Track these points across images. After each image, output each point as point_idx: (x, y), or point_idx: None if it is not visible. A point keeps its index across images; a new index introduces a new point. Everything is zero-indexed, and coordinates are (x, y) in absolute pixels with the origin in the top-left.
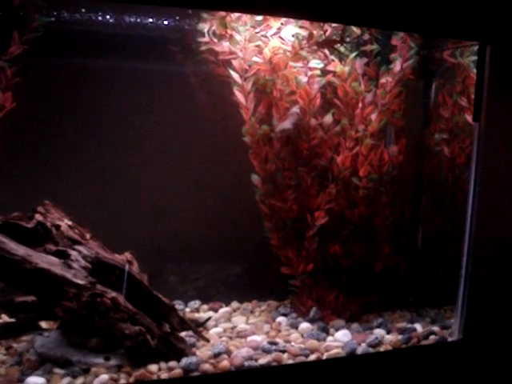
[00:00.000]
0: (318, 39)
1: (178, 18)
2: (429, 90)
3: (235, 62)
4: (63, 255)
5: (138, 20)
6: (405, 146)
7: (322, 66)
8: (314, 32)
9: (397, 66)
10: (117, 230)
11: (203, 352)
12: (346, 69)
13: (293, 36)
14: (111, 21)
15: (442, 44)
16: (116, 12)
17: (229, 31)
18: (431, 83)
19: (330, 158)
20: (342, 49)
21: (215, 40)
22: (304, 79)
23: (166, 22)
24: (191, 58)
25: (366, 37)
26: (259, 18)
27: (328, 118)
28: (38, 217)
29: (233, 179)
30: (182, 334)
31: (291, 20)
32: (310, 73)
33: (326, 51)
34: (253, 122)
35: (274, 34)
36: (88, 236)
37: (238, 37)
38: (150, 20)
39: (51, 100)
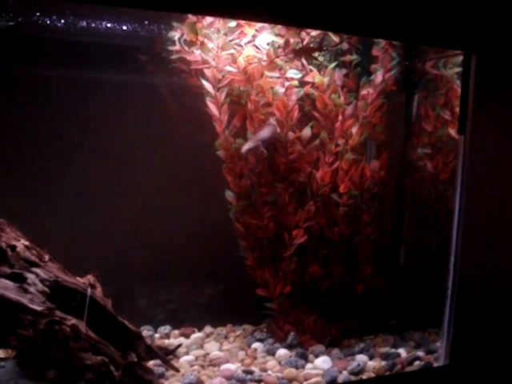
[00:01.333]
0: (295, 47)
1: (147, 24)
2: (411, 102)
3: (208, 72)
4: (19, 278)
5: (106, 26)
6: (386, 160)
7: (299, 76)
8: (291, 40)
9: (378, 77)
10: (80, 250)
11: (172, 383)
12: (326, 80)
13: (268, 44)
14: (76, 26)
15: (425, 55)
16: (82, 17)
17: (200, 38)
18: (413, 95)
19: (309, 174)
20: (320, 58)
21: (187, 48)
22: (281, 90)
23: (134, 29)
24: (162, 67)
25: (345, 46)
26: (232, 24)
27: (306, 132)
28: None
29: (206, 196)
30: (150, 363)
31: (266, 27)
32: (287, 83)
33: (304, 61)
34: (227, 135)
35: (249, 42)
36: (47, 257)
37: (210, 44)
38: (118, 26)
39: (8, 111)
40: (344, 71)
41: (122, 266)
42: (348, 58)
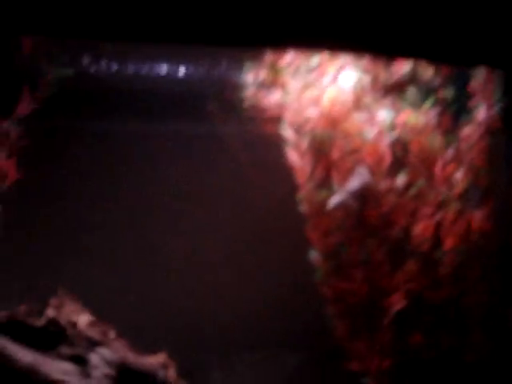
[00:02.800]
0: (386, 83)
1: (214, 68)
2: None
3: (288, 116)
4: (81, 360)
5: (170, 73)
6: (492, 209)
7: (392, 116)
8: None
9: (481, 114)
10: (147, 322)
11: None
12: (421, 120)
13: (353, 83)
14: (138, 72)
15: None
16: (143, 61)
17: (280, 78)
18: None
19: (405, 228)
20: (411, 95)
21: (262, 93)
22: (371, 134)
23: (200, 75)
24: (233, 115)
25: (438, 81)
26: (314, 62)
27: (401, 180)
28: (50, 312)
29: (287, 256)
30: None
31: (349, 63)
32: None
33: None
34: (310, 187)
35: (331, 82)
36: (112, 335)
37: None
38: (183, 73)
39: (68, 170)
40: (438, 109)
41: (195, 335)
42: (442, 93)
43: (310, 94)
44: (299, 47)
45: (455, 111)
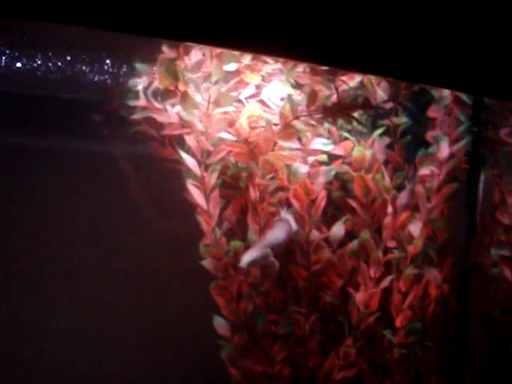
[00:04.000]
0: (326, 102)
1: (97, 68)
2: (476, 184)
3: (191, 140)
4: None
5: (36, 68)
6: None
7: (330, 147)
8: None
9: (443, 150)
10: None
11: None
12: (368, 153)
13: (281, 99)
14: None
15: (499, 118)
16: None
17: (181, 85)
18: (479, 174)
19: (342, 292)
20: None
21: (157, 104)
22: (303, 169)
23: (79, 75)
24: (118, 132)
25: (388, 105)
26: (231, 67)
27: (338, 230)
28: None
29: (182, 325)
30: None
31: (277, 73)
32: (310, 158)
33: (332, 126)
34: (218, 236)
35: (251, 97)
36: None
37: (196, 96)
38: (51, 72)
39: None
40: (387, 140)
41: None
42: (394, 120)
43: (223, 110)
44: (209, 42)
45: (410, 144)
